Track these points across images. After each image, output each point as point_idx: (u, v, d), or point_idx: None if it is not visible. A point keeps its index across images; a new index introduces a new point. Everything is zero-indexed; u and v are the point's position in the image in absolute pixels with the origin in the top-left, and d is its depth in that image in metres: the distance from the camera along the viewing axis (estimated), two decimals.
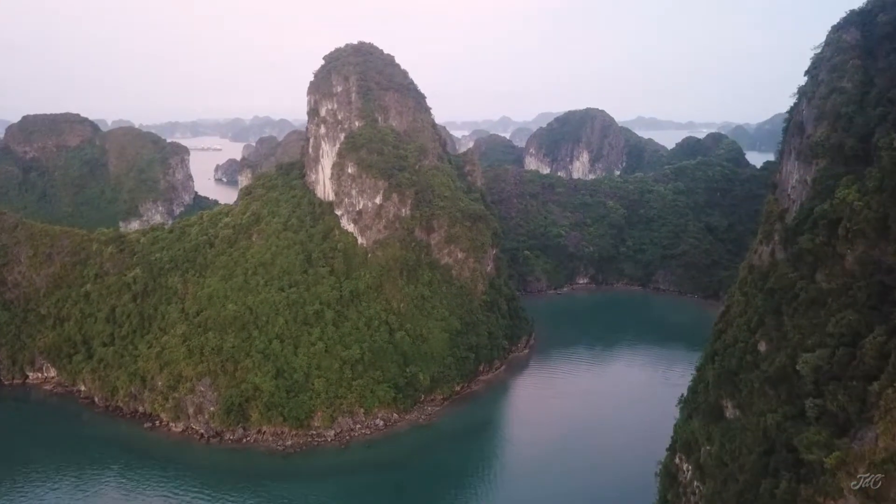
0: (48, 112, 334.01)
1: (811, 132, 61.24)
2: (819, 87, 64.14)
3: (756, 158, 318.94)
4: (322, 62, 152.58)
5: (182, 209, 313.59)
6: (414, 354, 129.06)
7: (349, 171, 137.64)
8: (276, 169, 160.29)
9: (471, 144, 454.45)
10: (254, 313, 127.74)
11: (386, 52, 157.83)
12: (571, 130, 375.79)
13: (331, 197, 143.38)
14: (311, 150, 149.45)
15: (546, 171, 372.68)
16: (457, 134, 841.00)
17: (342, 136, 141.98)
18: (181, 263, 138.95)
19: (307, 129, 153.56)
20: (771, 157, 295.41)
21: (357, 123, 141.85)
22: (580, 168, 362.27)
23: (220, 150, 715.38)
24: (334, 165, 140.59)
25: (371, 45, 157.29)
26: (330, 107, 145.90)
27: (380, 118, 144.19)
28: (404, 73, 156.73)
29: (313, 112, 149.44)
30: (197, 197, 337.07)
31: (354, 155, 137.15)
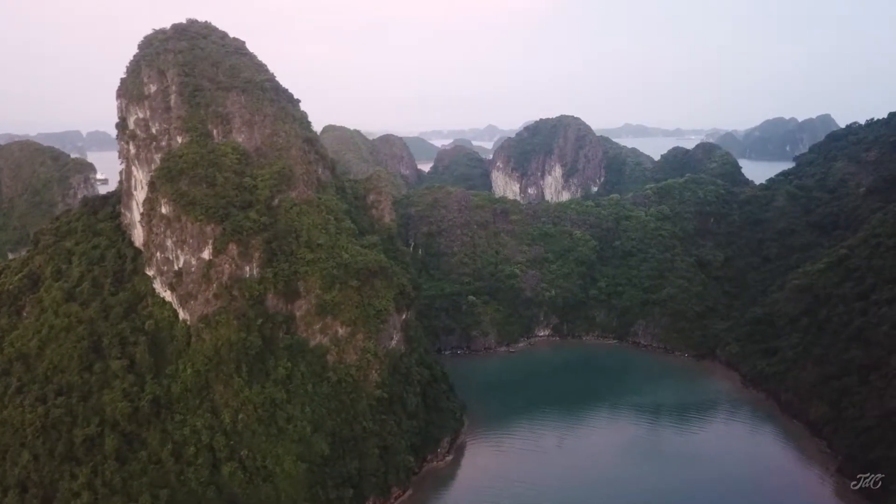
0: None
1: None
2: None
3: (748, 168, 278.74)
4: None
5: None
6: (249, 502, 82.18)
7: (163, 210, 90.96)
8: (81, 204, 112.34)
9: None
10: None
11: (233, 35, 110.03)
12: (543, 141, 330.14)
13: None
14: (123, 178, 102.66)
15: (515, 187, 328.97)
16: (437, 144, 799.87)
17: (158, 157, 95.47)
18: None
19: (118, 147, 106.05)
20: (766, 167, 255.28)
21: (179, 139, 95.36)
22: (553, 184, 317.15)
23: None
24: (145, 202, 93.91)
25: (207, 25, 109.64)
26: (140, 115, 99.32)
27: (215, 131, 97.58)
28: (259, 66, 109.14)
29: (122, 123, 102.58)
30: None
31: (170, 187, 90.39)
